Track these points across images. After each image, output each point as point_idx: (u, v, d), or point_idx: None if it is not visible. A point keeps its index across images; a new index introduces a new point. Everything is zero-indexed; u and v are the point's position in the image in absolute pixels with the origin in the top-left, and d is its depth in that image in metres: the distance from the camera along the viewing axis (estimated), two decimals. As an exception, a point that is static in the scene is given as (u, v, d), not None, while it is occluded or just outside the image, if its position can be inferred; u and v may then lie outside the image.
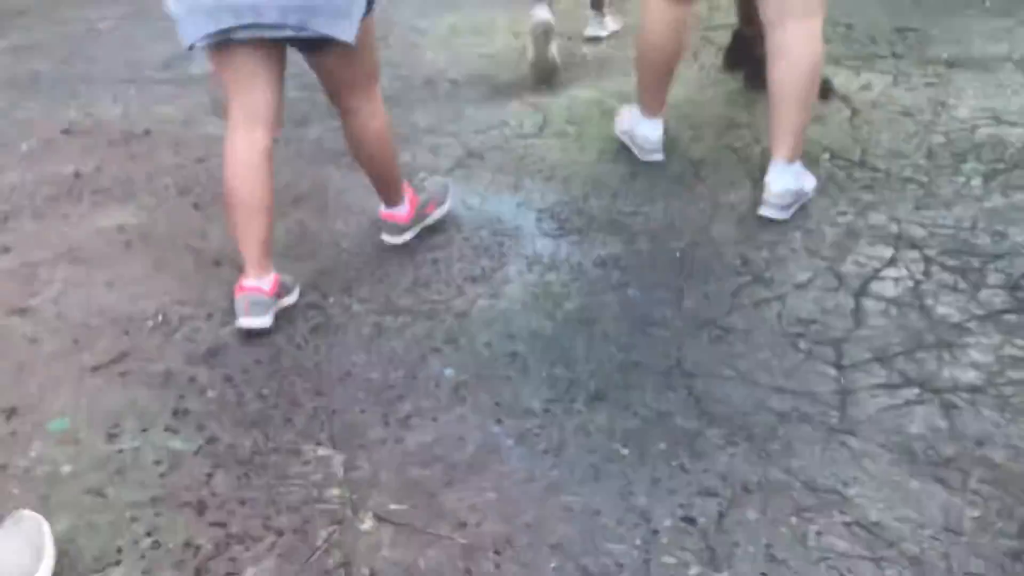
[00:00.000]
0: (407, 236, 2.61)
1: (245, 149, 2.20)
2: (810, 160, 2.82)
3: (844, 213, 2.64)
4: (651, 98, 2.97)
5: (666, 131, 3.03)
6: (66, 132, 3.45)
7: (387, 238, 2.61)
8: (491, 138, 3.22)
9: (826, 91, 3.26)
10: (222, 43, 2.08)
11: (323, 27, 2.06)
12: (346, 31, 2.08)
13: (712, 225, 2.62)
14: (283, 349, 2.18)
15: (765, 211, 2.64)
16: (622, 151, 3.06)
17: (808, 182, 2.71)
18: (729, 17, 3.81)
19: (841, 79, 3.53)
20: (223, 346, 2.21)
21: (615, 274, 2.42)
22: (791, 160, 2.64)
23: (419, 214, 2.62)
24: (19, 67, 4.26)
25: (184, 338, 2.24)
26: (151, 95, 3.81)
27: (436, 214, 2.69)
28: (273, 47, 2.14)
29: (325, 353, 2.16)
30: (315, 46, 2.15)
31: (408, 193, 2.59)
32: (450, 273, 2.46)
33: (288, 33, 2.06)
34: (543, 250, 2.54)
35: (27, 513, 1.66)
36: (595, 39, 4.18)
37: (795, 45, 2.54)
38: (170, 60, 4.14)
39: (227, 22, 2.02)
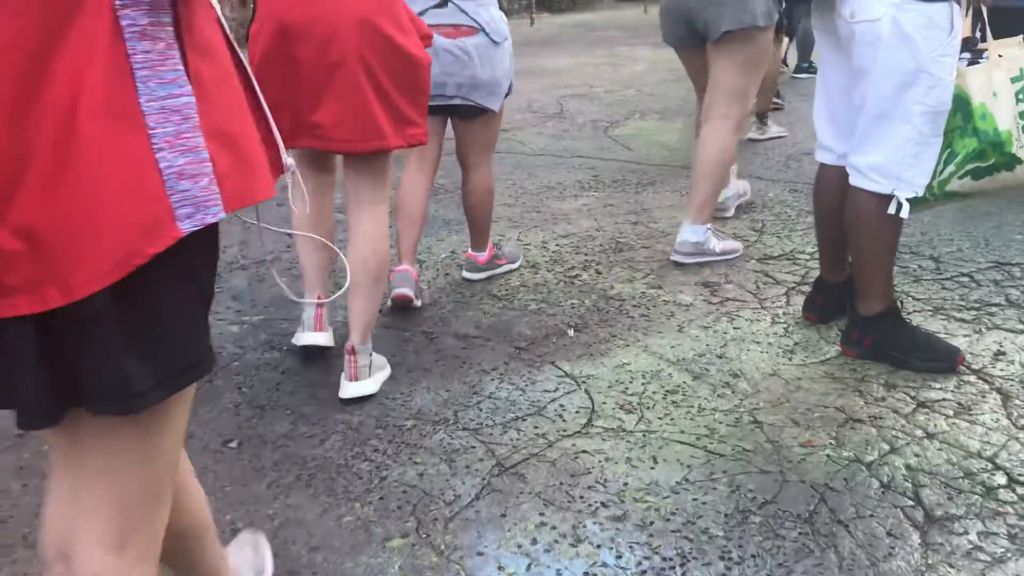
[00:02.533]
0: (482, 276, 3.40)
1: (415, 184, 3.13)
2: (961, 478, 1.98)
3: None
4: None
5: (770, 442, 2.18)
6: None
7: (466, 274, 3.42)
8: (524, 437, 2.33)
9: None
10: None
11: (481, 99, 3.01)
12: (495, 104, 3.06)
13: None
14: None
15: (674, 256, 3.50)
16: (707, 460, 2.19)
17: (717, 244, 3.50)
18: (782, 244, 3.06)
19: (960, 341, 2.75)
20: None
21: None
22: (695, 222, 3.46)
23: (492, 263, 3.42)
24: None
25: None
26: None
27: (505, 267, 3.47)
28: (441, 114, 3.07)
29: None
30: (468, 114, 3.07)
31: (490, 244, 3.41)
32: None
33: (457, 102, 2.98)
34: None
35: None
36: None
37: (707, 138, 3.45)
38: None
39: None
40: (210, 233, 1.06)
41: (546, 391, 2.57)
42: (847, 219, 2.63)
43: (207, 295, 1.11)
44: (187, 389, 1.12)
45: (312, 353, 2.81)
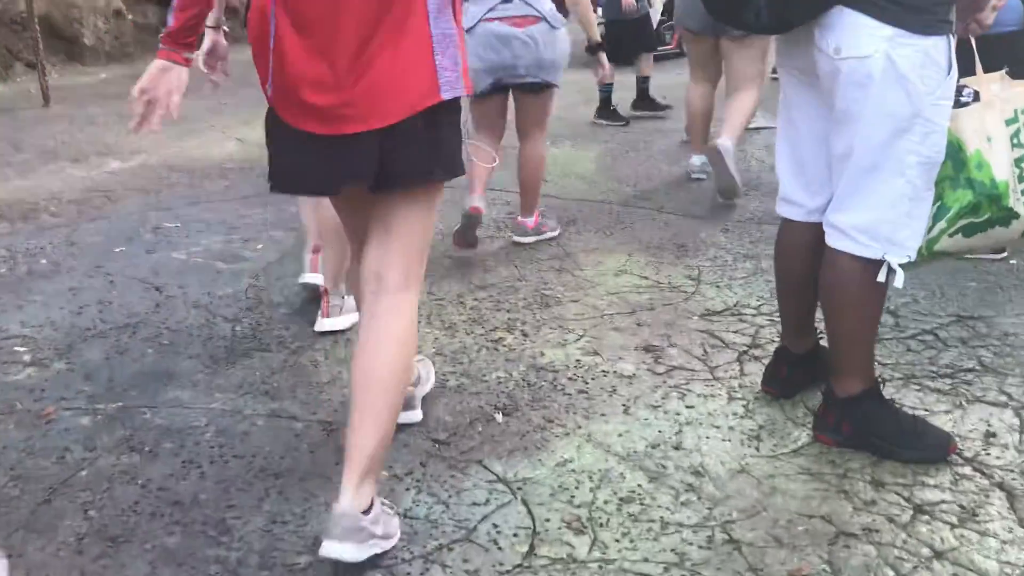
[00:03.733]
0: (530, 239, 3.90)
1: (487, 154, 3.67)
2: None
3: None
4: None
5: (753, 571, 1.77)
6: None
7: (516, 238, 3.94)
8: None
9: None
10: (485, 92, 3.60)
11: (547, 76, 3.66)
12: (557, 78, 3.71)
13: None
14: None
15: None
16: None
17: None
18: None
19: (943, 421, 2.41)
20: None
21: None
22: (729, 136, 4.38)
23: (539, 229, 3.94)
24: None
25: None
26: None
27: (549, 233, 3.96)
28: (504, 92, 3.74)
29: None
30: (534, 90, 3.69)
31: (536, 212, 3.95)
32: None
33: (529, 80, 3.63)
34: None
35: None
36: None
37: None
38: None
39: (500, 75, 3.59)
40: (456, 102, 1.87)
41: (475, 504, 2.09)
42: (823, 287, 2.26)
43: (458, 132, 1.92)
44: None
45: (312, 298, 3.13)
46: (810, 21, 2.01)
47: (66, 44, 9.66)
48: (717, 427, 2.42)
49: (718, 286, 3.41)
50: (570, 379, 2.69)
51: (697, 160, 4.91)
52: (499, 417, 2.47)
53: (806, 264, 2.37)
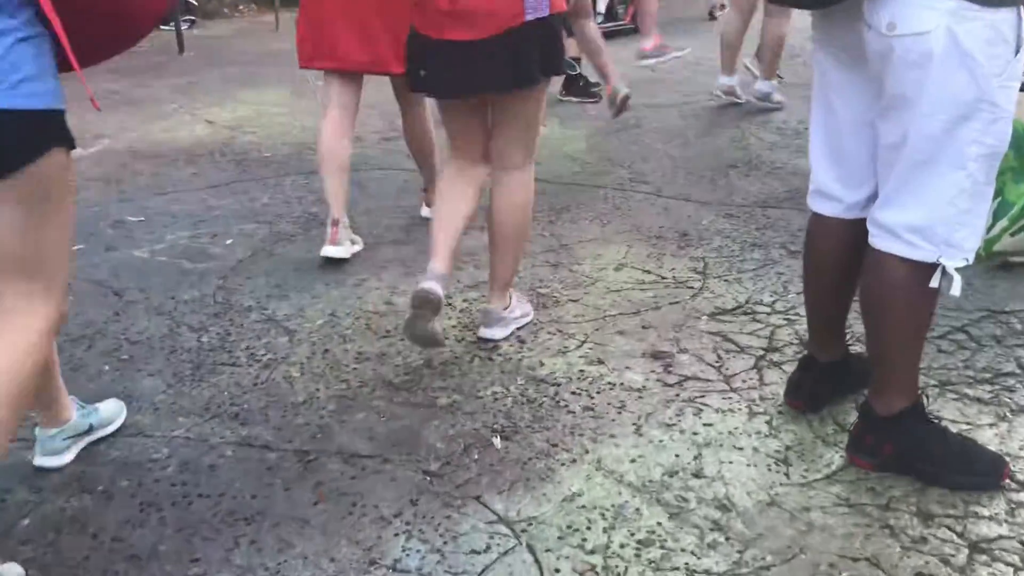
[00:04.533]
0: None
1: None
2: None
3: None
4: None
5: None
6: None
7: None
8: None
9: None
10: None
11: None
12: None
13: None
14: None
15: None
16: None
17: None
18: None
19: (988, 436, 2.17)
20: None
21: None
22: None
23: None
24: None
25: None
26: None
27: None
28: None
29: None
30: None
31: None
32: None
33: None
34: None
35: None
36: None
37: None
38: None
39: None
40: (546, 20, 2.42)
41: (474, 552, 1.84)
42: (866, 293, 2.01)
43: (558, 43, 2.52)
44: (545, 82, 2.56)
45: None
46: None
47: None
48: (740, 449, 2.17)
49: (727, 280, 3.16)
50: (573, 393, 2.44)
51: (725, 80, 5.63)
52: (497, 442, 2.21)
53: (841, 266, 2.12)
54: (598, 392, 2.44)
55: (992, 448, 2.12)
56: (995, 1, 1.70)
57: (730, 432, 2.24)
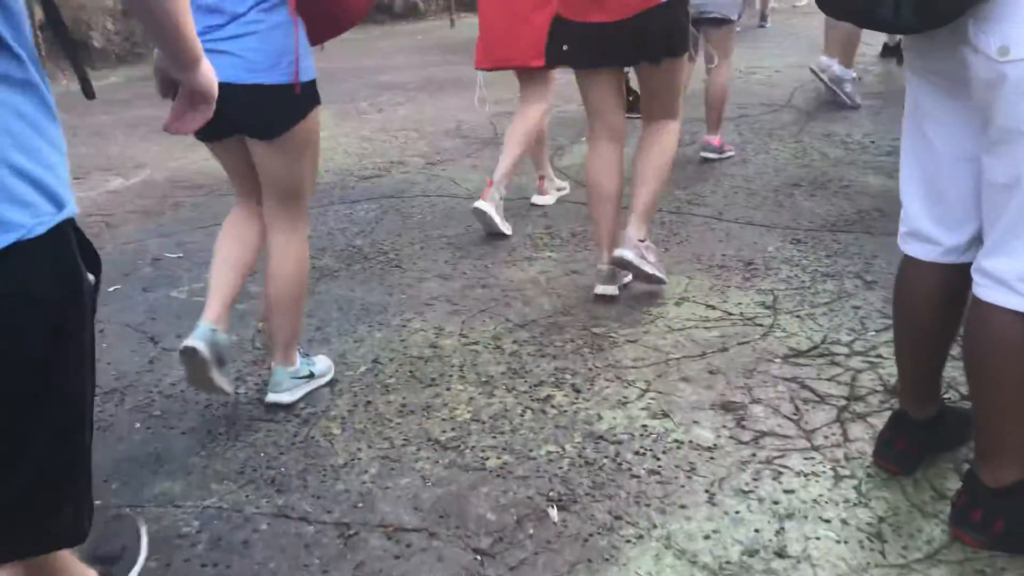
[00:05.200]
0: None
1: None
2: None
3: None
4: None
5: None
6: None
7: (704, 154, 4.79)
8: None
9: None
10: None
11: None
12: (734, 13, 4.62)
13: None
14: None
15: None
16: None
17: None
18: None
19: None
20: None
21: None
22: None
23: (721, 147, 4.79)
24: None
25: None
26: None
27: (729, 153, 4.80)
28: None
29: None
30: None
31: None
32: None
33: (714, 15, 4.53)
34: None
35: None
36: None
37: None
38: None
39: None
40: (670, 5, 2.81)
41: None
42: (971, 350, 1.77)
43: (681, 26, 2.91)
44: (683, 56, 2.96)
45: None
46: (967, 12, 1.51)
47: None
48: (827, 521, 1.94)
49: (799, 316, 2.92)
50: (637, 453, 2.22)
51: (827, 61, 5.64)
52: (554, 513, 2.01)
53: (938, 315, 1.89)
54: (664, 452, 2.22)
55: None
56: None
57: (815, 501, 2.01)
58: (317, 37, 2.29)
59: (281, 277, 2.41)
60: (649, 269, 2.99)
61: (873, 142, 4.87)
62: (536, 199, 4.18)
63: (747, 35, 8.49)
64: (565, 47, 2.95)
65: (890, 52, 6.79)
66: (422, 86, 7.39)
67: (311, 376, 2.57)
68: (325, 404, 2.53)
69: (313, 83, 2.29)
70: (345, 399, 2.55)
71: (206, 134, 2.26)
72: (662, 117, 3.06)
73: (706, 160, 4.69)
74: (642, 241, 3.00)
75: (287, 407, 2.50)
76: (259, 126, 2.24)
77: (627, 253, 2.93)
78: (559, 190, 4.27)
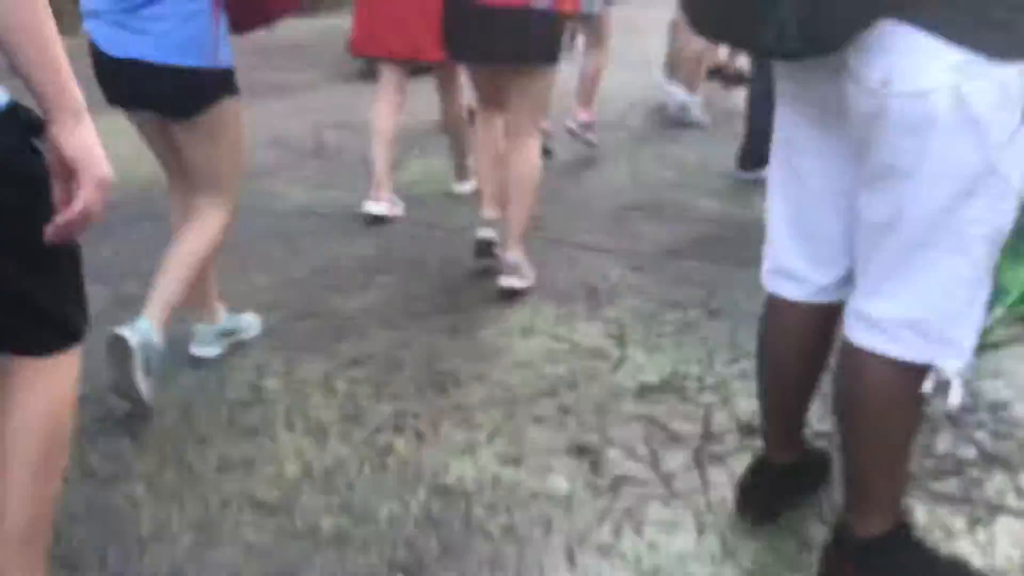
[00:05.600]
0: None
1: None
2: None
3: None
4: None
5: None
6: None
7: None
8: None
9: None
10: None
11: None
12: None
13: None
14: None
15: None
16: None
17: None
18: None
19: (964, 545, 1.88)
20: None
21: None
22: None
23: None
24: None
25: None
26: None
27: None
28: None
29: None
30: None
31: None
32: None
33: None
34: None
35: None
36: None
37: None
38: None
39: None
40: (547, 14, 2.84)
41: None
42: (842, 398, 1.68)
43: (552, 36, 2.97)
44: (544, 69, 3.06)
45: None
46: (855, 39, 1.40)
47: None
48: (694, 578, 1.81)
49: (646, 347, 2.81)
50: (488, 508, 2.02)
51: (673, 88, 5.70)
52: (400, 586, 1.78)
53: (806, 358, 1.81)
54: (517, 507, 2.03)
55: (976, 562, 1.83)
56: (1006, 54, 1.40)
57: (680, 556, 1.88)
58: (244, 25, 2.32)
59: (185, 242, 2.45)
60: (529, 284, 3.20)
61: (706, 165, 4.91)
62: (370, 207, 3.89)
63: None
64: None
65: (713, 75, 6.96)
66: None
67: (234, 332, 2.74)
68: (127, 462, 2.18)
69: (229, 71, 2.33)
70: (151, 455, 2.21)
71: (118, 98, 2.34)
72: (529, 129, 3.18)
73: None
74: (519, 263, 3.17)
75: (81, 463, 2.14)
76: (167, 105, 2.30)
77: (514, 282, 3.13)
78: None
